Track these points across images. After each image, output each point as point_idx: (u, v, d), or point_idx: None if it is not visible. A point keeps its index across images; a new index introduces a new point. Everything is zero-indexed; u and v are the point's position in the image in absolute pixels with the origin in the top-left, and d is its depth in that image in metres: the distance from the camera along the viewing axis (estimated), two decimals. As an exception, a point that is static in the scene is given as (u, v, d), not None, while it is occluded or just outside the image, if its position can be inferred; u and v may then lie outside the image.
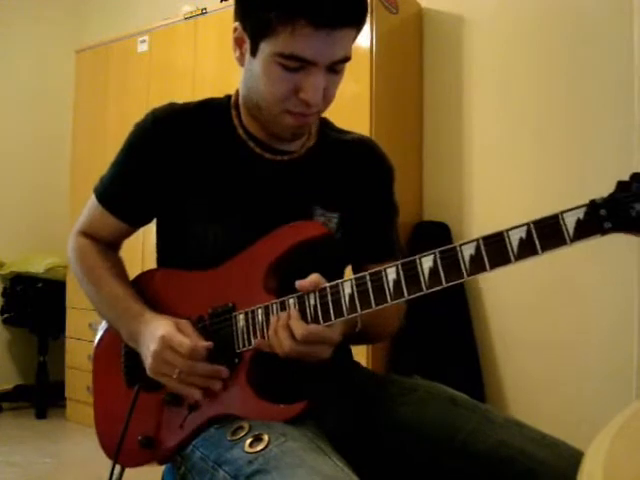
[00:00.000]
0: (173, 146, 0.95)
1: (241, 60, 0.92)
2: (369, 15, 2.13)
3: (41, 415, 3.10)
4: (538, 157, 2.26)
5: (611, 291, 2.04)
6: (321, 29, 0.80)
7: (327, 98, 0.90)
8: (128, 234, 1.06)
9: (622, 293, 2.02)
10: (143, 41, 2.86)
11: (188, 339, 0.85)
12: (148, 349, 0.87)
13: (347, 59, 0.88)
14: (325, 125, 1.07)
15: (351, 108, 2.08)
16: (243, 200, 0.96)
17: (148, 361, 0.88)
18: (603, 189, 2.38)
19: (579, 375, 2.12)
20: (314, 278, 0.83)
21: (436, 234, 2.38)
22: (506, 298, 2.24)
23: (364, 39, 2.21)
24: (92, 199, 1.03)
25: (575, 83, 2.19)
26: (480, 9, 2.41)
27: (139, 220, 1.04)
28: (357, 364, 1.08)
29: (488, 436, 0.85)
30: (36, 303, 3.14)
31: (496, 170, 2.36)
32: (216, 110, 0.99)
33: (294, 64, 0.84)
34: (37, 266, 3.10)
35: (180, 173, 0.96)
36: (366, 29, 2.21)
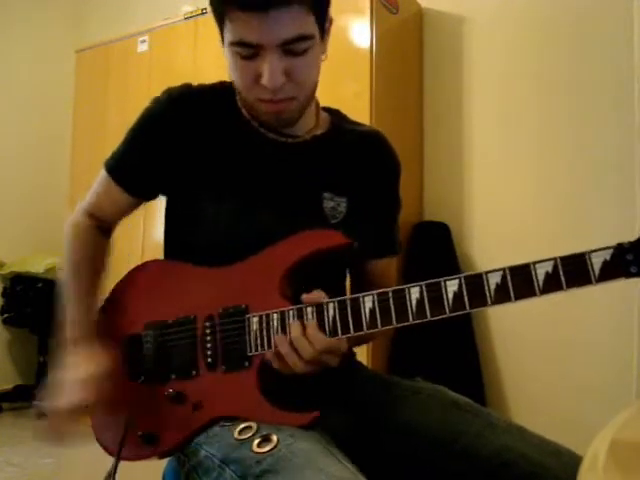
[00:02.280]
0: (184, 125, 0.96)
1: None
2: (369, 15, 2.17)
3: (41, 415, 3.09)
4: (538, 157, 2.26)
5: (611, 292, 2.04)
6: (252, 13, 0.81)
7: (298, 81, 0.89)
8: (130, 210, 1.05)
9: (622, 294, 2.01)
10: (143, 41, 2.86)
11: (57, 416, 0.90)
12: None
13: (303, 38, 0.85)
14: (337, 117, 1.07)
15: (351, 108, 2.06)
16: (249, 178, 0.96)
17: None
18: (604, 190, 2.38)
19: (579, 376, 2.12)
20: (317, 296, 0.83)
21: (436, 234, 2.38)
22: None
23: (364, 39, 2.21)
24: (101, 174, 1.04)
25: (575, 83, 2.19)
26: (480, 9, 2.42)
27: (143, 193, 1.03)
28: (360, 365, 1.08)
29: (491, 440, 0.85)
30: (36, 303, 3.14)
31: (496, 170, 2.36)
32: (225, 93, 1.00)
33: (245, 51, 0.85)
34: (37, 266, 3.10)
35: (189, 151, 0.97)
36: (366, 29, 2.21)
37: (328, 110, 1.09)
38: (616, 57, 2.11)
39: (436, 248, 2.34)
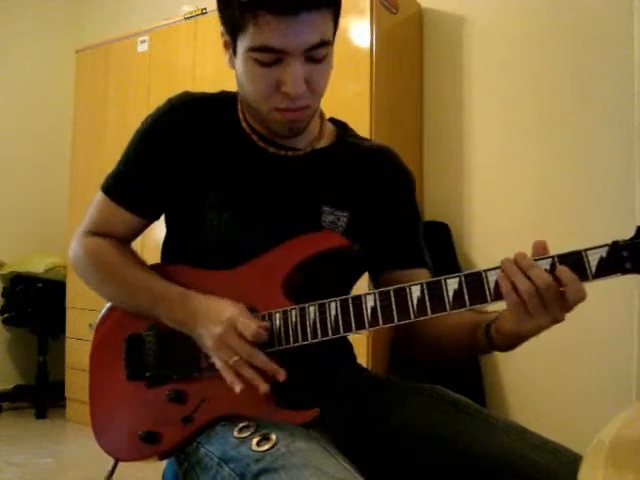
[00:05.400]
0: (185, 136, 0.95)
1: (231, 63, 0.92)
2: (369, 15, 2.17)
3: (41, 415, 3.10)
4: (538, 157, 2.26)
5: (611, 292, 2.04)
6: (282, 17, 0.79)
7: (314, 89, 0.88)
8: (139, 230, 1.03)
9: (622, 295, 2.02)
10: (143, 41, 2.86)
11: (253, 322, 0.83)
12: (209, 330, 0.85)
13: (325, 44, 0.84)
14: (343, 130, 1.05)
15: (351, 108, 2.08)
16: (246, 192, 0.95)
17: (209, 343, 0.85)
18: (604, 189, 2.37)
19: (579, 377, 2.12)
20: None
21: (436, 234, 2.38)
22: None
23: (364, 39, 2.21)
24: (98, 198, 1.01)
25: (576, 83, 2.19)
26: (480, 9, 2.42)
27: (150, 212, 1.01)
28: (360, 366, 1.08)
29: (490, 441, 0.85)
30: (36, 303, 3.13)
31: (496, 170, 2.36)
32: (225, 103, 1.00)
33: (267, 57, 0.83)
34: (37, 266, 3.10)
35: (189, 162, 0.96)
36: (366, 29, 2.21)
37: (335, 122, 1.07)
38: (616, 57, 2.10)
39: (436, 248, 2.33)
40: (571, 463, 0.79)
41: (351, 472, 0.72)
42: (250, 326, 0.82)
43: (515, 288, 0.73)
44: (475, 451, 0.84)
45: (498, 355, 2.30)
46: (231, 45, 0.88)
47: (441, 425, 0.89)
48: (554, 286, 0.72)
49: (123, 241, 1.03)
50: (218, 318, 0.84)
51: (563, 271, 0.72)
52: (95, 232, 1.01)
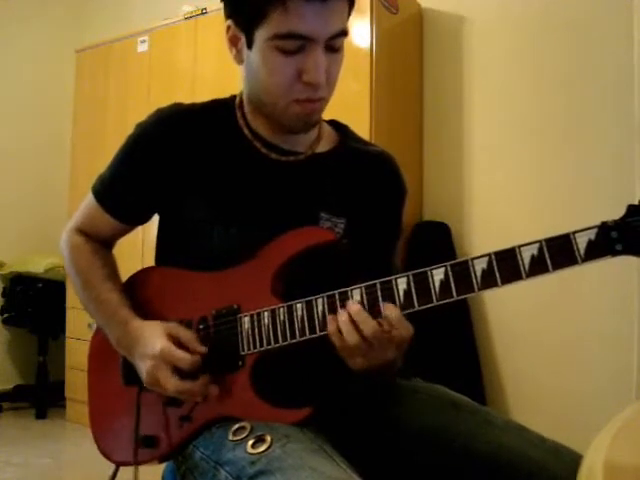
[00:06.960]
0: (176, 147, 0.94)
1: (238, 58, 0.91)
2: (369, 15, 2.17)
3: (41, 415, 3.10)
4: (538, 157, 2.26)
5: (611, 291, 2.04)
6: (313, 1, 0.79)
7: (330, 81, 0.88)
8: (124, 233, 1.05)
9: (622, 293, 2.02)
10: (143, 41, 2.86)
11: (187, 354, 0.85)
12: (143, 363, 0.87)
13: (344, 33, 0.85)
14: (346, 134, 1.05)
15: (351, 108, 2.08)
16: (248, 201, 0.95)
17: (143, 375, 0.88)
18: (604, 189, 2.37)
19: (579, 376, 2.12)
20: None
21: (436, 234, 2.38)
22: (507, 300, 2.24)
23: (364, 39, 2.21)
24: (90, 197, 1.02)
25: (575, 83, 2.19)
26: (480, 9, 2.41)
27: (137, 221, 1.03)
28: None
29: (488, 439, 0.85)
30: (36, 303, 3.14)
31: (496, 170, 2.36)
32: (221, 111, 0.98)
33: (291, 44, 0.82)
34: (37, 266, 3.10)
35: (183, 174, 0.95)
36: (366, 29, 2.21)
37: (335, 125, 1.06)
38: (616, 56, 2.10)
39: (436, 248, 2.34)
40: (570, 462, 0.79)
41: (347, 472, 0.72)
42: (184, 358, 0.84)
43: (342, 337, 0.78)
44: (474, 450, 0.84)
45: (498, 355, 2.30)
46: (243, 38, 0.88)
47: (440, 424, 0.89)
48: (382, 336, 0.77)
49: (106, 242, 1.05)
50: (149, 352, 0.86)
51: (388, 308, 0.77)
52: (82, 230, 1.04)
